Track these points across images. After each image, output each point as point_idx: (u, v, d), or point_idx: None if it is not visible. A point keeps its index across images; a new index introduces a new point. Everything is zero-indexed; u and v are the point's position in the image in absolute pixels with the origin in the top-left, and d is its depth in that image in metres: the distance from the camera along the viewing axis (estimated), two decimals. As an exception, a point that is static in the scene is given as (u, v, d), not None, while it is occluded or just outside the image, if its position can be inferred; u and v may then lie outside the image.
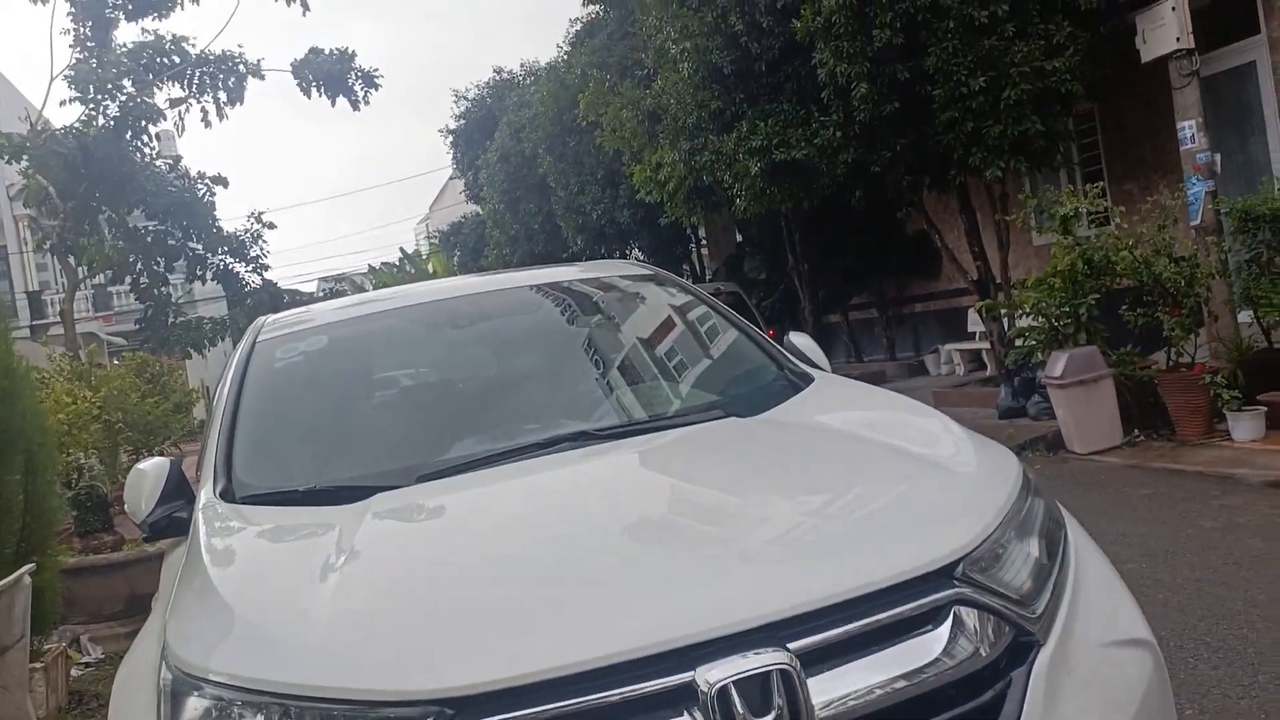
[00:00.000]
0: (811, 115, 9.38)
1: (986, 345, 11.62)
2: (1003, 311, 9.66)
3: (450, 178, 31.61)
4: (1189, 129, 8.31)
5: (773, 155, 9.45)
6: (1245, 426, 7.10)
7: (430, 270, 30.58)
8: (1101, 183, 10.29)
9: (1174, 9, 8.14)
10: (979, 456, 2.20)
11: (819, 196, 10.66)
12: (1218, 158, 8.44)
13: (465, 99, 23.76)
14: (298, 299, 17.92)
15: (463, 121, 23.73)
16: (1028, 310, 8.36)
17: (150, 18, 15.38)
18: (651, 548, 1.96)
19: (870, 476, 2.15)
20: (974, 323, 12.52)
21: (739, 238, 18.18)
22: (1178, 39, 8.17)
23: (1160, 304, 7.78)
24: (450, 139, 24.22)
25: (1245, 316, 8.20)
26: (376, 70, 16.69)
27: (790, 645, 1.59)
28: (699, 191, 12.04)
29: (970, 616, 1.72)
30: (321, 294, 22.45)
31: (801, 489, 2.14)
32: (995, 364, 11.10)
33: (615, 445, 2.50)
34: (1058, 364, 7.79)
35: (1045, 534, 1.99)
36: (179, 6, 15.37)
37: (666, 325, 3.26)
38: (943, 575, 1.73)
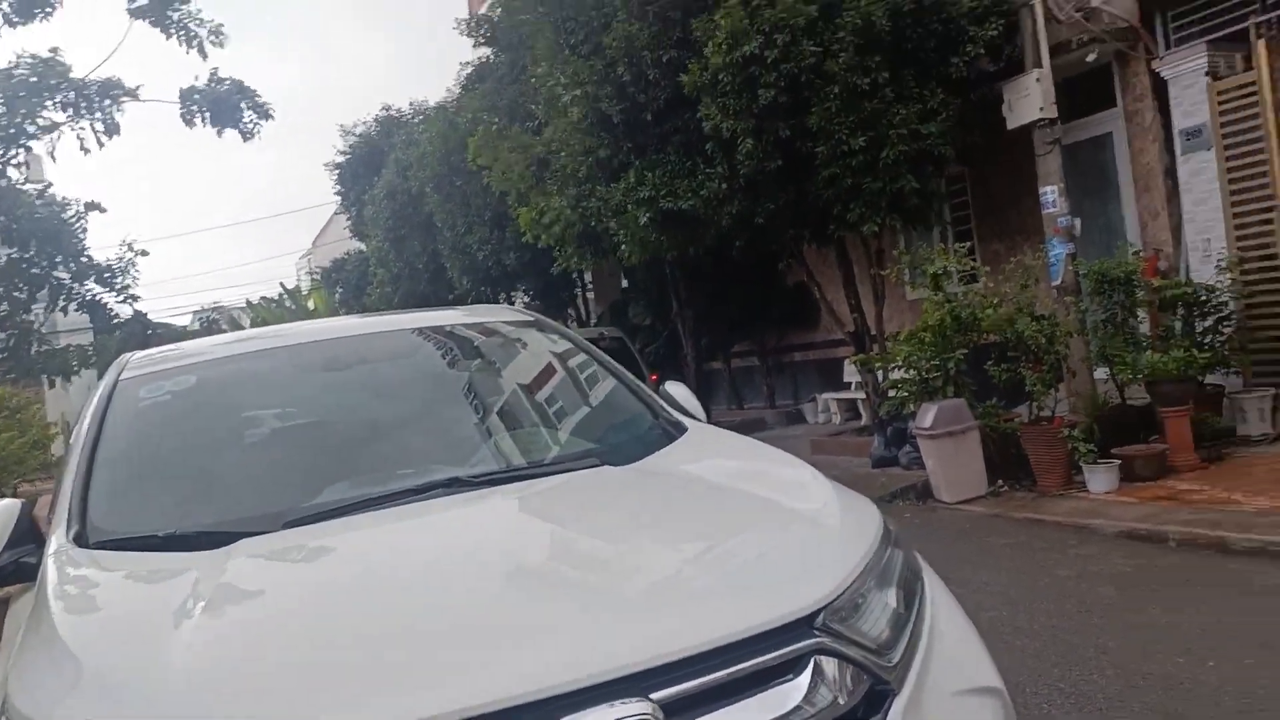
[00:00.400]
0: (698, 167, 9.58)
1: (862, 395, 11.96)
2: (877, 363, 9.97)
3: (335, 213, 31.07)
4: (1051, 194, 8.78)
5: (660, 205, 9.60)
6: (1100, 479, 7.45)
7: (311, 307, 29.90)
8: (971, 242, 10.78)
9: (1038, 81, 8.64)
10: (842, 508, 2.27)
11: (704, 246, 10.86)
12: (1077, 222, 8.94)
13: (353, 134, 23.47)
14: (170, 333, 17.28)
15: (349, 156, 23.41)
16: (900, 363, 8.64)
17: (37, 18, 14.64)
18: (520, 597, 1.95)
19: (736, 527, 2.19)
20: (850, 373, 12.89)
21: (625, 283, 18.35)
22: (1041, 109, 8.66)
23: (1023, 360, 8.14)
24: (336, 173, 23.86)
25: (1101, 373, 8.65)
26: (268, 102, 16.35)
27: (653, 695, 1.60)
28: (586, 238, 12.15)
29: (830, 665, 1.76)
30: (198, 325, 21.74)
31: (670, 539, 2.16)
32: (870, 414, 11.42)
33: (489, 492, 2.49)
34: (927, 415, 8.06)
35: (903, 584, 2.06)
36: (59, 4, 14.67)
37: (546, 372, 3.28)
38: (803, 625, 1.77)
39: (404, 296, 19.36)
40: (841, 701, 1.74)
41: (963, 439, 8.00)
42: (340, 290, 26.24)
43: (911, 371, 8.54)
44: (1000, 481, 8.11)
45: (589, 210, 10.86)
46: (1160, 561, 5.79)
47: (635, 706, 1.58)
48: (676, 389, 3.28)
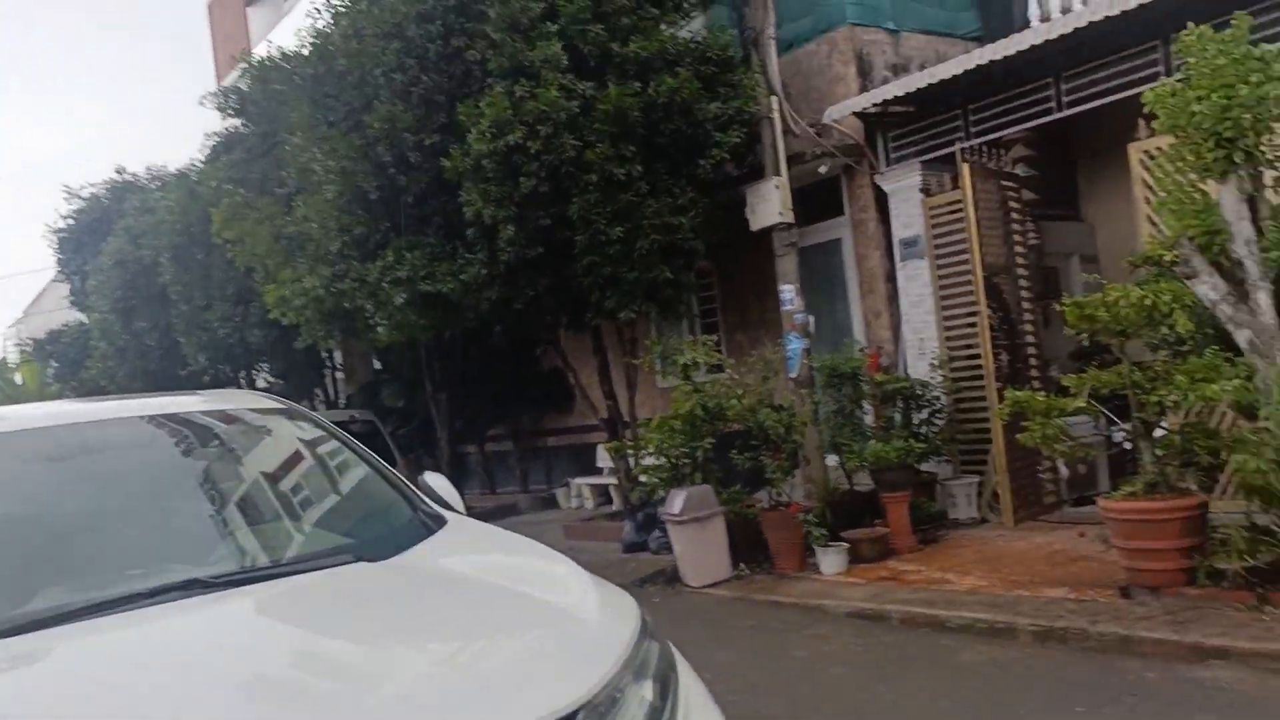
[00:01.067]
0: (458, 251, 9.58)
1: (614, 481, 12.17)
2: (629, 449, 10.21)
3: (53, 280, 28.56)
4: (788, 292, 9.41)
5: (419, 287, 9.51)
6: (831, 561, 7.92)
7: (19, 381, 27.13)
8: (717, 334, 11.32)
9: (777, 187, 9.31)
10: (601, 603, 2.31)
11: (461, 329, 10.81)
12: (812, 319, 9.60)
13: (79, 197, 21.79)
14: None
15: (73, 220, 21.68)
16: (652, 450, 8.90)
17: None
18: (254, 711, 1.85)
19: (495, 625, 2.19)
20: (603, 459, 13.10)
21: (377, 365, 17.92)
22: (780, 213, 9.32)
23: (764, 448, 8.59)
24: (58, 238, 22.01)
25: (832, 460, 9.25)
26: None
27: None
28: (337, 316, 11.82)
29: None
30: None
31: (425, 640, 2.13)
32: (621, 499, 11.64)
33: (231, 594, 2.35)
34: (676, 501, 8.31)
35: (659, 676, 2.12)
36: None
37: (294, 462, 3.15)
38: None
39: (130, 373, 17.99)
40: None
41: (708, 524, 8.30)
42: (55, 364, 24.02)
43: (662, 458, 8.80)
44: (742, 565, 8.44)
45: (342, 289, 10.59)
46: (884, 639, 6.20)
47: None
48: (436, 480, 3.24)
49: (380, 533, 2.82)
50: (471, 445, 16.35)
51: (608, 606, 2.30)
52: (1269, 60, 5.42)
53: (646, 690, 2.05)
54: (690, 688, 2.25)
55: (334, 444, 3.26)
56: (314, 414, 3.63)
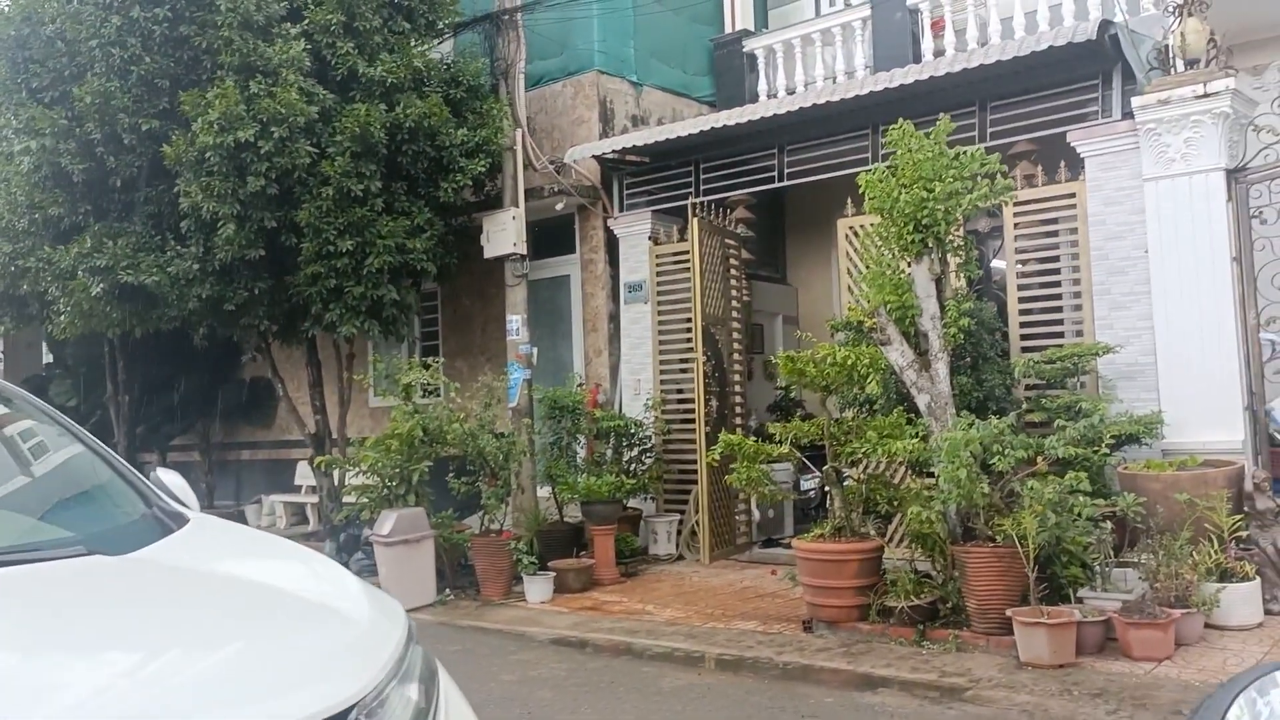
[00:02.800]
0: (168, 243, 8.96)
1: (314, 499, 11.70)
2: (341, 465, 9.86)
3: None
4: (515, 322, 9.55)
5: (119, 276, 8.78)
6: (537, 589, 8.05)
7: None
8: (439, 357, 11.22)
9: (514, 218, 9.46)
10: (371, 605, 2.30)
11: (158, 327, 10.06)
12: (535, 351, 9.79)
13: None
14: None
15: None
16: (364, 469, 8.67)
17: None
18: None
19: (265, 624, 2.11)
20: (303, 475, 12.57)
21: (49, 357, 16.22)
22: (514, 244, 9.48)
23: (482, 474, 8.62)
24: None
25: (544, 491, 9.42)
26: None
27: None
28: (11, 300, 10.66)
29: None
30: None
31: (188, 638, 2.01)
32: (319, 519, 11.21)
33: None
34: (386, 523, 8.14)
35: (424, 679, 2.14)
36: None
37: (12, 447, 2.87)
38: None
39: None
40: None
41: (418, 547, 8.19)
42: None
43: (375, 478, 8.60)
44: (448, 590, 8.39)
45: (25, 268, 9.58)
46: (589, 665, 6.39)
47: None
48: (169, 476, 3.04)
49: (115, 526, 2.61)
50: (152, 453, 15.12)
51: (379, 609, 2.29)
52: (963, 162, 6.22)
53: (412, 691, 2.06)
54: (450, 693, 2.28)
55: (55, 428, 3.00)
56: (23, 392, 3.29)
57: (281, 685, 1.85)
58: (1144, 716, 4.73)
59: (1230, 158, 7.26)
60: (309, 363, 10.61)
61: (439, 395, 9.48)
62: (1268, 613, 6.10)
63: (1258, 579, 6.07)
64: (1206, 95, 7.07)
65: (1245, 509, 6.34)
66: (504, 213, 9.51)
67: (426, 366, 8.97)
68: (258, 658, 1.99)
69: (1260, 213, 7.36)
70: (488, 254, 9.63)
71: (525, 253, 9.58)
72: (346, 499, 9.58)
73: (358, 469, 8.89)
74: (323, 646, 2.04)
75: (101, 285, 8.87)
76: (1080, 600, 5.94)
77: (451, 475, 8.63)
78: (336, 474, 10.09)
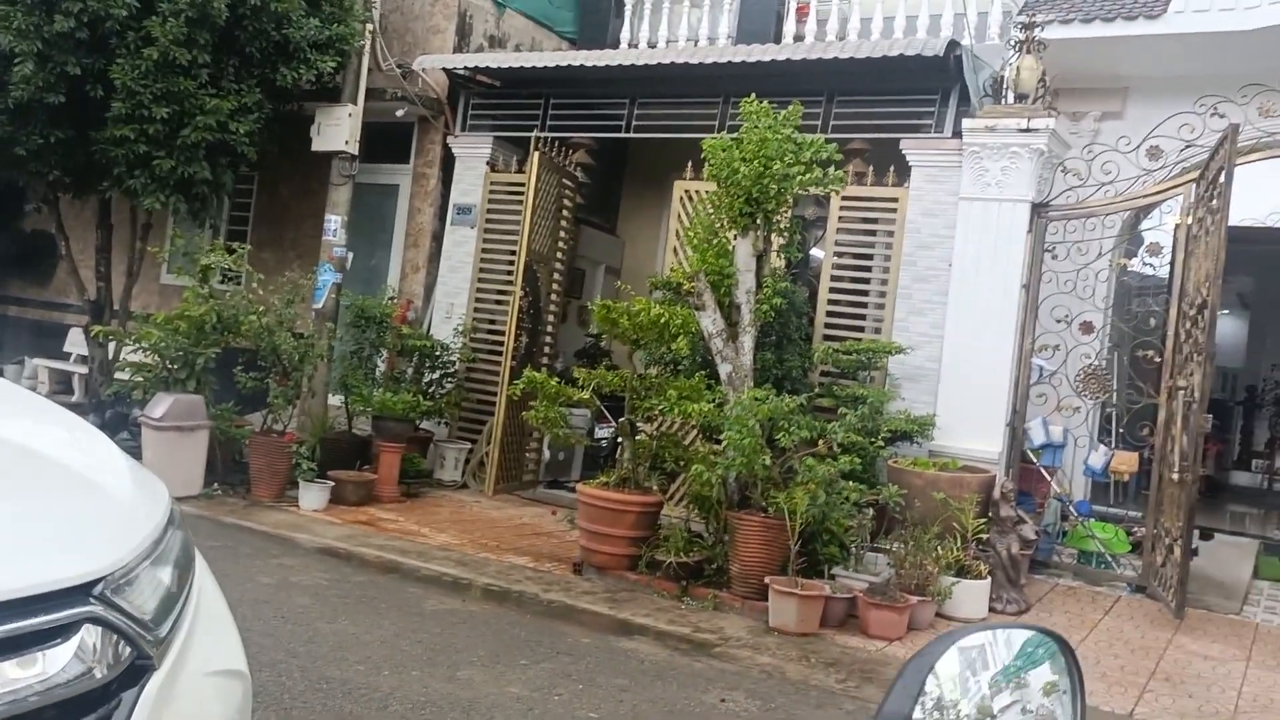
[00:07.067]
0: (-45, 69, 8.13)
1: (83, 370, 10.98)
2: (113, 340, 9.28)
3: None
4: (334, 223, 9.21)
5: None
6: (312, 496, 7.86)
7: None
8: (248, 245, 10.69)
9: (350, 116, 9.09)
10: (134, 481, 2.19)
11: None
12: (350, 255, 9.48)
13: None
14: None
15: None
16: (146, 346, 8.19)
17: None
18: None
19: (16, 485, 1.98)
20: (75, 343, 11.78)
21: None
22: (346, 142, 9.11)
23: (273, 372, 8.30)
24: None
25: (336, 400, 9.18)
26: None
27: None
28: None
29: (93, 636, 1.71)
30: None
31: None
32: (86, 391, 10.53)
33: None
34: (160, 405, 7.73)
35: (179, 565, 2.06)
36: None
37: None
38: (80, 592, 1.70)
39: None
40: (99, 675, 1.69)
41: (190, 436, 7.83)
42: None
43: (155, 357, 8.14)
44: (216, 485, 8.07)
45: None
46: (354, 579, 6.32)
47: None
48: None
49: None
50: (-96, 293, 13.80)
51: (142, 487, 2.18)
52: (802, 147, 6.41)
53: (165, 575, 1.98)
54: (205, 585, 2.21)
55: None
56: None
57: (24, 551, 1.75)
58: (868, 689, 5.10)
59: (1038, 192, 7.79)
60: (100, 225, 9.89)
61: (239, 284, 9.05)
62: (991, 610, 6.65)
63: (989, 579, 6.62)
64: (1029, 130, 7.54)
65: (990, 514, 6.90)
66: (340, 108, 9.11)
67: (231, 251, 8.51)
68: (11, 519, 1.87)
69: (1054, 248, 7.96)
70: (316, 147, 9.21)
71: (356, 153, 9.22)
72: (119, 375, 9.03)
73: (138, 345, 8.38)
74: (76, 517, 1.93)
75: None
76: (833, 577, 6.32)
77: (239, 368, 8.26)
78: (113, 347, 9.49)
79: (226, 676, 2.08)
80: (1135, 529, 8.25)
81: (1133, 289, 9.31)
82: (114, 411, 9.15)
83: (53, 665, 1.63)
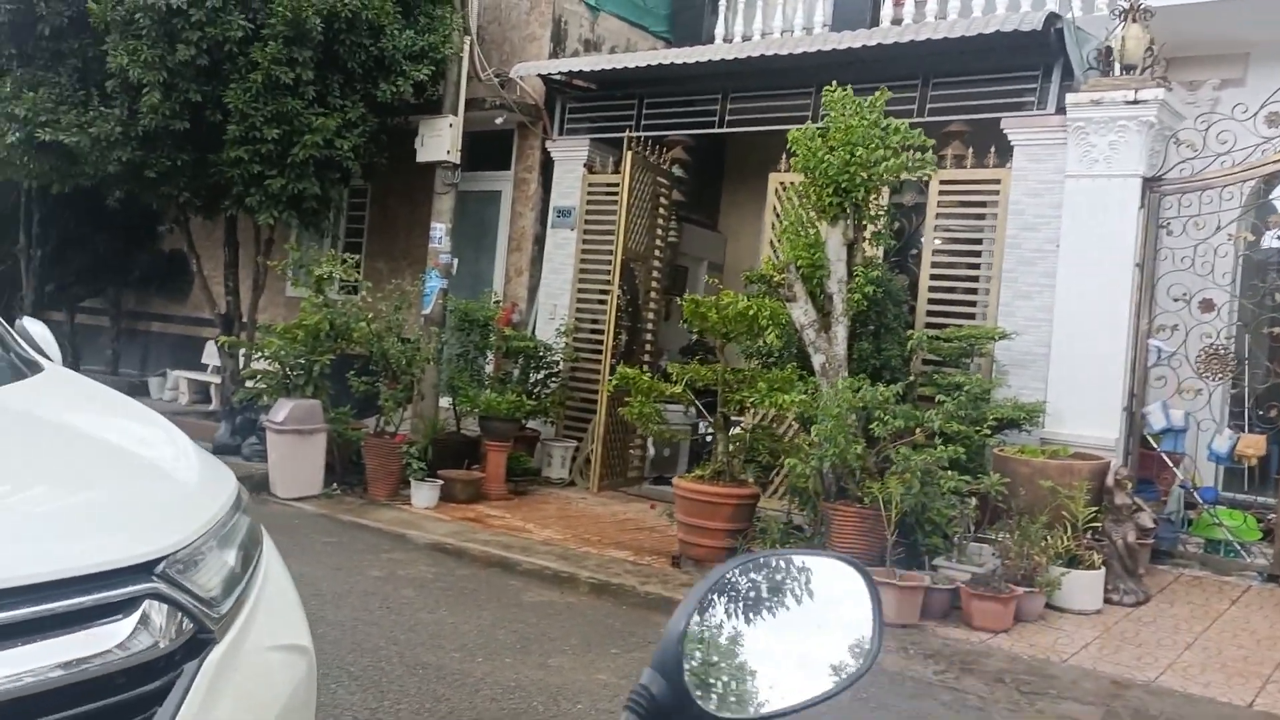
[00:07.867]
0: (92, 100, 8.69)
1: (218, 380, 11.60)
2: (241, 350, 9.80)
3: None
4: (440, 230, 9.49)
5: (34, 132, 8.51)
6: (424, 495, 8.14)
7: None
8: (359, 255, 11.12)
9: (451, 126, 9.35)
10: (202, 470, 2.35)
11: (79, 184, 9.80)
12: (455, 261, 9.76)
13: None
14: None
15: None
16: (268, 355, 8.63)
17: None
18: None
19: (91, 471, 2.15)
20: (210, 355, 12.44)
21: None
22: (449, 151, 9.38)
23: (383, 376, 8.63)
24: None
25: (445, 401, 9.47)
26: None
27: None
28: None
29: (157, 611, 1.85)
30: None
31: (13, 473, 2.06)
32: (220, 400, 11.13)
33: None
34: (282, 410, 8.14)
35: (244, 548, 2.21)
36: None
37: None
38: (142, 570, 1.84)
39: None
40: (162, 646, 1.84)
41: (310, 438, 8.21)
42: None
43: (277, 365, 8.57)
44: (335, 485, 8.44)
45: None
46: (458, 572, 6.53)
47: None
48: (35, 326, 3.03)
49: (-43, 364, 2.61)
50: (60, 312, 14.79)
51: (207, 473, 2.34)
52: (890, 133, 6.33)
53: (229, 556, 2.13)
54: (273, 568, 2.35)
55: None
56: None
57: (90, 533, 1.91)
58: (967, 680, 5.00)
59: (1149, 166, 7.47)
60: (227, 243, 10.44)
61: (357, 293, 9.43)
62: (1107, 601, 6.42)
63: (1103, 569, 6.39)
64: (1136, 102, 7.25)
65: (1104, 502, 6.66)
66: (442, 119, 9.39)
67: (343, 262, 8.89)
68: (83, 503, 2.04)
69: (1168, 224, 7.62)
70: (420, 158, 9.52)
71: (458, 162, 9.49)
72: (248, 383, 9.52)
73: (261, 354, 8.83)
74: (142, 503, 2.09)
75: (19, 134, 8.61)
76: (935, 568, 6.21)
77: (353, 373, 8.62)
78: (241, 357, 10.02)
79: (289, 651, 2.22)
80: (1268, 515, 7.83)
81: (1259, 263, 8.83)
82: (243, 417, 9.65)
83: (117, 636, 1.78)
